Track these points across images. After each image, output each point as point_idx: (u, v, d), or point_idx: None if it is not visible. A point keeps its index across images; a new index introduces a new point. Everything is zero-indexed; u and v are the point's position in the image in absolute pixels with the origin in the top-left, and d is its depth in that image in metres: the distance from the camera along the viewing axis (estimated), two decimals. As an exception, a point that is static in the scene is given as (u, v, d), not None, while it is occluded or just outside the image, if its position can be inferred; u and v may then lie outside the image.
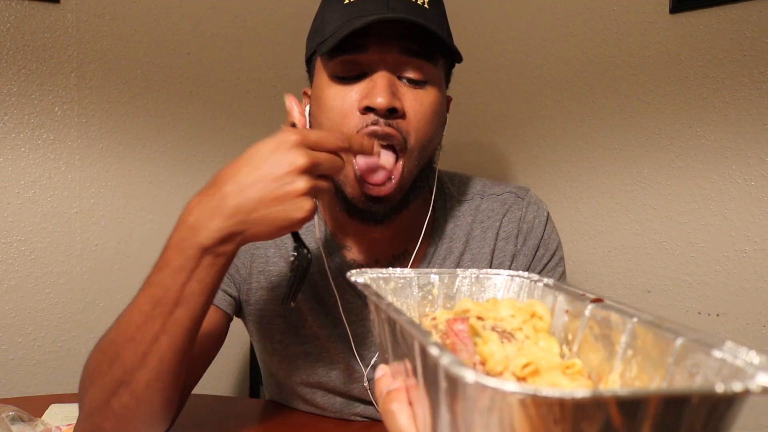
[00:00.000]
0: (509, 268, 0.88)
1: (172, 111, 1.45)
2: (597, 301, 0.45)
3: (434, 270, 0.57)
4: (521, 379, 0.38)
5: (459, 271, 0.57)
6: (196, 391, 0.85)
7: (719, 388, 0.27)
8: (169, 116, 1.45)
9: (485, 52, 1.51)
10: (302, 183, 0.62)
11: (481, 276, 0.57)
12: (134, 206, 1.41)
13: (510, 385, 0.26)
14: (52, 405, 0.93)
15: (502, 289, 0.57)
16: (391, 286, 0.56)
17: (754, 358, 0.31)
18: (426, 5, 0.76)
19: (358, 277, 0.55)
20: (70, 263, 1.34)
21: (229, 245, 0.64)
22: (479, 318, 0.46)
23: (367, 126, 0.73)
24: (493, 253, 0.89)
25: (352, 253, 0.88)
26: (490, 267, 0.88)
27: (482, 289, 0.57)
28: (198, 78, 1.48)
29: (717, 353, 0.33)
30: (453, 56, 0.78)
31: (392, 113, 0.73)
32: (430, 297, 0.56)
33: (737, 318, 1.08)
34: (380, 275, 0.56)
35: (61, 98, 1.31)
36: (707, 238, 1.11)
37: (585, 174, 1.30)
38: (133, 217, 1.41)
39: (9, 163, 1.27)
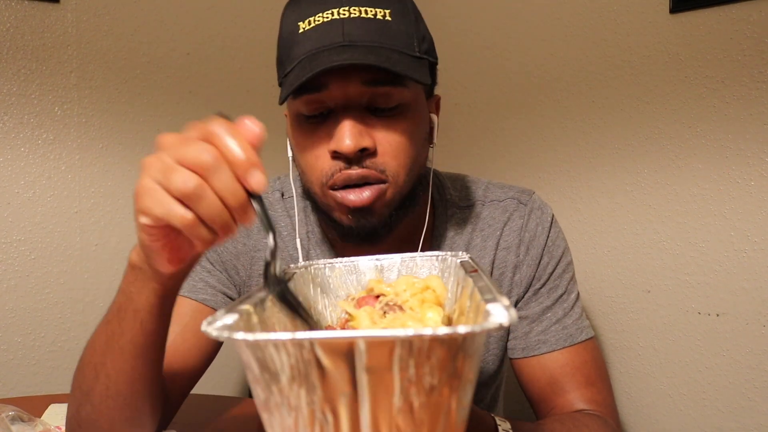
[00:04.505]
0: (512, 279, 0.87)
1: (172, 111, 1.45)
2: (473, 271, 0.51)
3: (376, 257, 0.64)
4: None
5: (397, 255, 0.64)
6: (196, 390, 0.85)
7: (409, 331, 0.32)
8: (169, 116, 1.45)
9: (485, 52, 1.51)
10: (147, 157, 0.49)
11: (407, 260, 0.63)
12: (134, 206, 1.41)
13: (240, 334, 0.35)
14: (52, 405, 0.93)
15: (426, 270, 0.63)
16: (336, 273, 0.63)
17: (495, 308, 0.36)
18: (387, 17, 0.72)
19: (295, 270, 0.60)
20: (70, 263, 1.34)
21: (144, 263, 0.56)
22: (381, 295, 0.54)
23: (340, 171, 0.72)
24: (493, 263, 0.87)
25: None
26: (491, 277, 0.87)
27: (411, 272, 0.63)
28: (198, 78, 1.48)
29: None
30: (422, 76, 0.72)
31: (363, 152, 0.72)
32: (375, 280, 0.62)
33: (737, 318, 1.08)
34: (326, 264, 0.63)
35: (61, 98, 1.31)
36: (707, 238, 1.11)
37: (585, 174, 1.30)
38: (133, 217, 1.40)
39: (9, 163, 1.27)
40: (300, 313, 0.50)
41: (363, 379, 0.34)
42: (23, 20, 1.26)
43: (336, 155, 0.72)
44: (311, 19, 0.72)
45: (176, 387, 0.79)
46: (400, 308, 0.51)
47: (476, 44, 1.53)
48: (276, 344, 0.35)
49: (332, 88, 0.71)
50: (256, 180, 0.45)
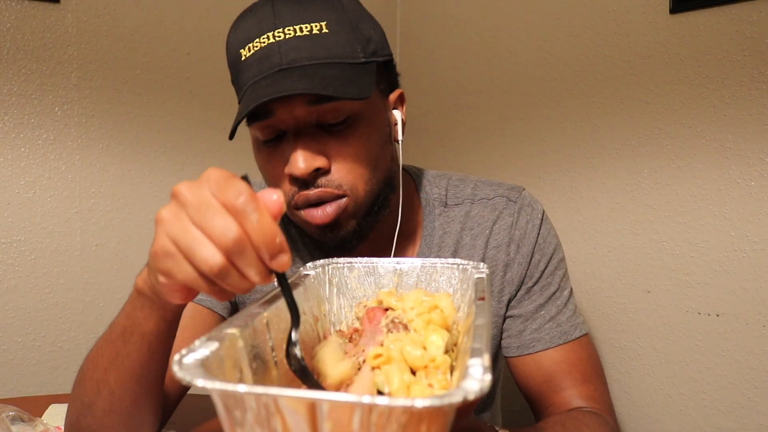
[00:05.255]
0: (503, 278, 0.86)
1: (172, 111, 1.45)
2: (481, 299, 0.50)
3: (396, 260, 0.63)
4: (375, 367, 0.44)
5: (418, 260, 0.63)
6: (196, 390, 0.85)
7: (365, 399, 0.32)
8: (169, 116, 1.45)
9: (485, 52, 1.51)
10: (165, 208, 0.47)
11: (428, 265, 0.62)
12: (134, 206, 1.41)
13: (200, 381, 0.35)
14: (52, 405, 0.93)
15: (446, 279, 0.62)
16: (355, 273, 0.62)
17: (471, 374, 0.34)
18: (324, 29, 0.71)
19: (311, 270, 0.59)
20: (70, 263, 1.34)
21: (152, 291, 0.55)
22: (389, 308, 0.53)
23: (299, 193, 0.73)
24: (482, 262, 0.86)
25: None
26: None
27: (430, 279, 0.62)
28: (198, 78, 1.48)
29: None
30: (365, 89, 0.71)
31: (318, 171, 0.72)
32: (391, 285, 0.61)
33: (737, 318, 1.08)
34: (346, 263, 0.60)
35: (61, 98, 1.31)
36: (707, 238, 1.11)
37: (585, 174, 1.30)
38: (133, 217, 1.41)
39: (9, 163, 1.27)
40: (313, 385, 0.49)
41: None
42: (23, 20, 1.26)
43: (292, 179, 0.73)
44: (250, 45, 0.72)
45: (174, 388, 0.79)
46: (405, 327, 0.50)
47: (476, 44, 1.53)
48: (235, 396, 0.35)
49: (279, 114, 0.71)
50: (280, 262, 0.43)
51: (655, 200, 1.18)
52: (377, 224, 0.80)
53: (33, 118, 1.29)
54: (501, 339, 0.89)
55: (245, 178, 0.44)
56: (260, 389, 0.34)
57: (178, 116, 1.46)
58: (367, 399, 0.32)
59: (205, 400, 1.00)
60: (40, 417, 0.87)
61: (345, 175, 0.73)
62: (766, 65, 1.03)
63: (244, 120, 0.72)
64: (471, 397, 0.32)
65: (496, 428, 0.64)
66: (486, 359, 0.36)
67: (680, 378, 1.16)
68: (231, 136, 0.72)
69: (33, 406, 0.89)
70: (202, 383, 0.35)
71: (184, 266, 0.44)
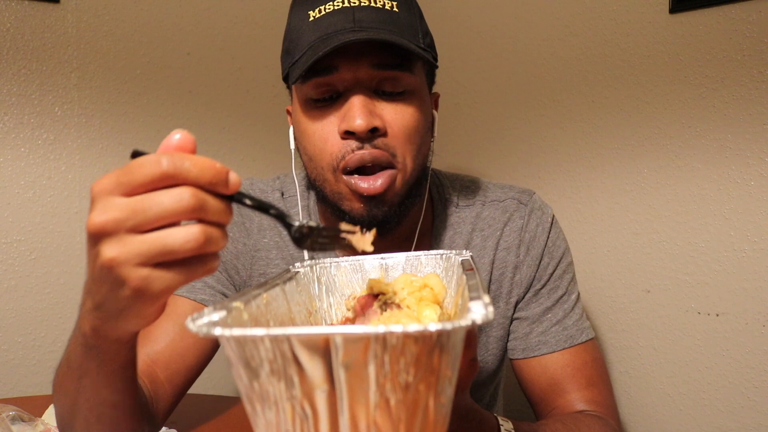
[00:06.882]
0: (512, 279, 0.87)
1: (172, 111, 1.45)
2: (469, 270, 0.51)
3: (381, 255, 0.64)
4: None
5: (402, 254, 0.64)
6: (196, 390, 0.85)
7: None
8: (169, 116, 1.45)
9: (485, 52, 1.51)
10: (105, 252, 0.41)
11: (412, 258, 0.63)
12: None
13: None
14: (52, 405, 0.93)
15: (431, 269, 0.63)
16: (342, 271, 0.64)
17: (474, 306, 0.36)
18: (395, 8, 0.74)
19: (300, 268, 0.60)
20: (70, 263, 1.34)
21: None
22: (380, 294, 0.54)
23: (353, 152, 0.72)
24: (492, 263, 0.87)
25: None
26: (491, 277, 0.87)
27: (415, 271, 0.63)
28: (198, 78, 1.48)
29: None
30: (429, 60, 0.76)
31: (373, 132, 0.72)
32: (379, 278, 0.62)
33: (737, 318, 1.08)
34: (332, 262, 0.62)
35: (61, 98, 1.31)
36: (707, 237, 1.11)
37: (585, 174, 1.30)
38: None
39: (9, 163, 1.27)
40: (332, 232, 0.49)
41: (340, 374, 0.34)
42: (23, 20, 1.26)
43: (347, 135, 0.73)
44: (321, 7, 0.74)
45: (174, 385, 0.79)
46: (398, 307, 0.51)
47: (476, 44, 1.53)
48: (254, 340, 0.35)
49: (342, 71, 0.72)
50: (233, 182, 0.42)
51: (655, 200, 1.18)
52: (408, 215, 0.80)
53: (33, 118, 1.29)
54: (507, 341, 0.89)
55: (138, 152, 0.42)
56: (277, 330, 0.34)
57: (178, 116, 1.46)
58: (382, 328, 0.32)
59: (204, 400, 1.00)
60: (40, 417, 0.87)
61: (399, 144, 0.74)
62: (766, 65, 1.03)
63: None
64: (479, 320, 0.33)
65: (496, 415, 0.64)
66: (486, 298, 0.37)
67: (680, 378, 1.16)
68: (294, 81, 0.73)
69: (33, 406, 0.89)
70: (219, 331, 0.35)
71: (163, 273, 0.41)
